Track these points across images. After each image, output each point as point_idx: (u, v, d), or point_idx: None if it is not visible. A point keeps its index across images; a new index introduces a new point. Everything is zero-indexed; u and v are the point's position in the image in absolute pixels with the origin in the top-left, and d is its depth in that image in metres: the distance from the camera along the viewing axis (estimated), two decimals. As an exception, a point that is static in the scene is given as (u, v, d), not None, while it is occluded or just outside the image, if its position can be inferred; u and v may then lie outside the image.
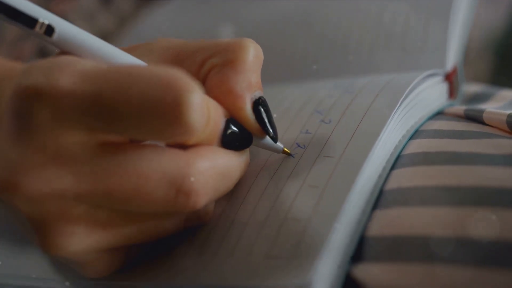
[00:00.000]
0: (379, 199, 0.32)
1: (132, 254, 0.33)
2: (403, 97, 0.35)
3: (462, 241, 0.29)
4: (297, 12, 0.50)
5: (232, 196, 0.34)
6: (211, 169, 0.30)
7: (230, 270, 0.31)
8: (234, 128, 0.32)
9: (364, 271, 0.30)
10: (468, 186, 0.31)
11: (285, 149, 0.34)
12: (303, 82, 0.43)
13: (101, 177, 0.28)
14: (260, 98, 0.33)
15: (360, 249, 0.30)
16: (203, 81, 0.32)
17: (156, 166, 0.28)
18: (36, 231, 0.30)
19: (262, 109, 0.32)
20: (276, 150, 0.34)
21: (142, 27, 0.60)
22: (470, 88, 0.43)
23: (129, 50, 0.33)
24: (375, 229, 0.31)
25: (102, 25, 0.62)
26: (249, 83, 0.32)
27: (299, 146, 0.35)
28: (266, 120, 0.33)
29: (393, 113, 0.34)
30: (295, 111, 0.38)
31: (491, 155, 0.32)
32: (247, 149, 0.33)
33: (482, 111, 0.36)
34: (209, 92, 0.32)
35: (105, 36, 0.62)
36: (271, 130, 0.33)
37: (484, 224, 0.29)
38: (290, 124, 0.37)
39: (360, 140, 0.33)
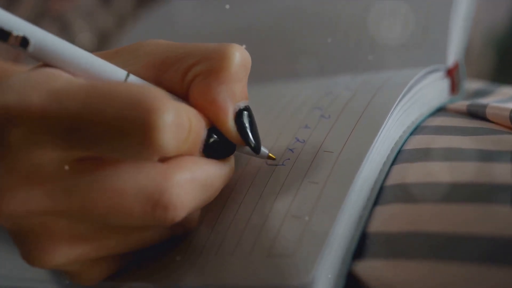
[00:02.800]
0: (380, 195, 0.32)
1: (125, 260, 0.33)
2: (402, 93, 0.35)
3: (463, 238, 0.28)
4: (298, 10, 0.49)
5: (232, 194, 0.34)
6: (191, 181, 0.29)
7: (231, 270, 0.30)
8: (216, 137, 0.31)
9: (366, 268, 0.30)
10: (470, 183, 0.30)
11: (270, 154, 0.34)
12: (303, 79, 0.43)
13: (76, 194, 0.28)
14: (244, 108, 0.32)
15: (361, 246, 0.30)
16: (187, 88, 0.31)
17: (132, 181, 0.28)
18: (19, 246, 0.30)
19: (245, 120, 0.32)
20: (261, 157, 0.34)
21: (142, 27, 0.60)
22: (472, 85, 0.43)
23: (114, 54, 0.32)
24: (376, 226, 0.31)
25: (101, 24, 0.61)
26: (232, 93, 0.31)
27: (298, 140, 0.35)
28: (248, 132, 0.32)
29: (393, 108, 0.34)
30: (295, 107, 0.38)
31: (493, 152, 0.32)
32: (231, 156, 0.32)
33: (485, 106, 0.36)
34: (192, 100, 0.31)
35: (104, 35, 0.61)
36: (253, 142, 0.32)
37: (486, 221, 0.29)
38: (290, 119, 0.37)
39: (360, 135, 0.33)
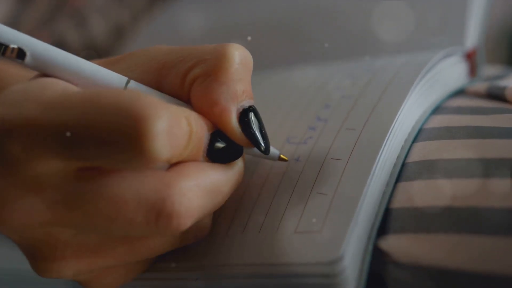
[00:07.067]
0: (402, 171, 0.32)
1: (141, 268, 0.33)
2: (422, 73, 0.35)
3: (486, 211, 0.29)
4: None
5: (255, 174, 0.34)
6: (195, 188, 0.28)
7: (258, 248, 0.31)
8: (221, 141, 0.30)
9: (390, 243, 0.30)
10: (491, 158, 0.31)
11: (282, 155, 0.33)
12: (322, 63, 0.43)
13: (77, 204, 0.28)
14: (249, 107, 0.31)
15: (385, 221, 0.31)
16: (188, 92, 0.31)
17: (133, 190, 0.27)
18: (27, 257, 0.30)
19: (251, 120, 0.30)
20: (271, 159, 0.33)
21: (157, 23, 0.60)
22: (488, 71, 0.43)
23: (116, 61, 0.32)
24: (399, 201, 0.31)
25: (117, 19, 0.62)
26: (234, 93, 0.30)
27: (319, 119, 0.35)
28: (254, 132, 0.31)
29: (413, 87, 0.34)
30: (316, 88, 0.38)
31: None
32: (240, 159, 0.31)
33: (504, 88, 0.36)
34: (194, 103, 0.30)
35: (120, 30, 0.62)
36: (261, 143, 0.31)
37: (508, 195, 0.29)
38: (312, 100, 0.37)
39: (381, 113, 0.33)
